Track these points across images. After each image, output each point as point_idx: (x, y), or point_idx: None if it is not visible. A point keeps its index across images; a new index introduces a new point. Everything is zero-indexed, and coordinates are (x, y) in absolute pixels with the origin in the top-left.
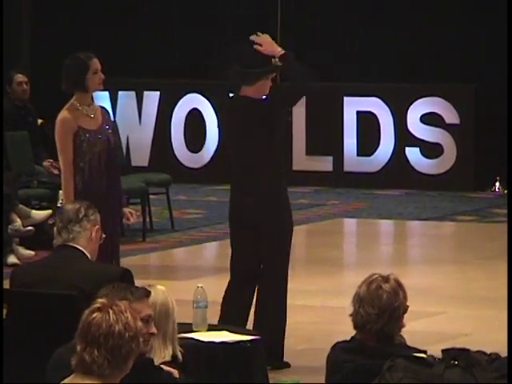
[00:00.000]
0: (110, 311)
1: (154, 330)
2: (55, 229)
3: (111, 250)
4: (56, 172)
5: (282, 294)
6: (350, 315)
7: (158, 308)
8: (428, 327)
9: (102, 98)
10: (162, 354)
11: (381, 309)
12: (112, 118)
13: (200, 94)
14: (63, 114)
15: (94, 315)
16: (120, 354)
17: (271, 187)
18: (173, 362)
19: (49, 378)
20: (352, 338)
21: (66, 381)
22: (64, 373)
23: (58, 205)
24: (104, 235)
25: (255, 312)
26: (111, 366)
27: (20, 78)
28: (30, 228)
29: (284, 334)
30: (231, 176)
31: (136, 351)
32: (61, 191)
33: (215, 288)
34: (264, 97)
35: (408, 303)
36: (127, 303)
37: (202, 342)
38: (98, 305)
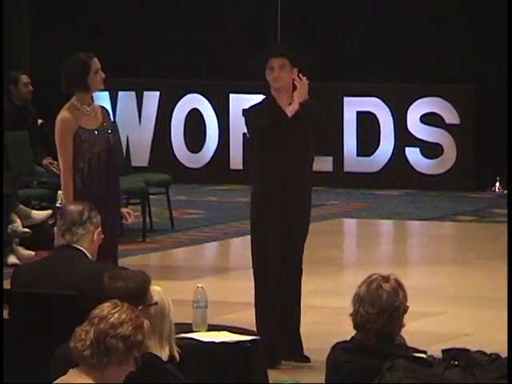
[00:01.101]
0: (122, 308)
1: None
2: (57, 230)
3: (110, 250)
4: (55, 171)
5: (269, 292)
6: (350, 315)
7: (154, 308)
8: (428, 327)
9: (102, 98)
10: (158, 355)
11: (381, 308)
12: (112, 118)
13: (200, 94)
14: (63, 113)
15: (108, 304)
16: (104, 341)
17: None
18: (170, 362)
19: (53, 374)
20: (352, 338)
21: (58, 380)
22: (67, 368)
23: (57, 205)
24: (103, 236)
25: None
26: (92, 349)
27: (25, 79)
28: (26, 230)
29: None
30: None
31: (121, 356)
32: (60, 191)
33: (215, 288)
34: None
35: (408, 303)
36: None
37: (202, 342)
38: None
